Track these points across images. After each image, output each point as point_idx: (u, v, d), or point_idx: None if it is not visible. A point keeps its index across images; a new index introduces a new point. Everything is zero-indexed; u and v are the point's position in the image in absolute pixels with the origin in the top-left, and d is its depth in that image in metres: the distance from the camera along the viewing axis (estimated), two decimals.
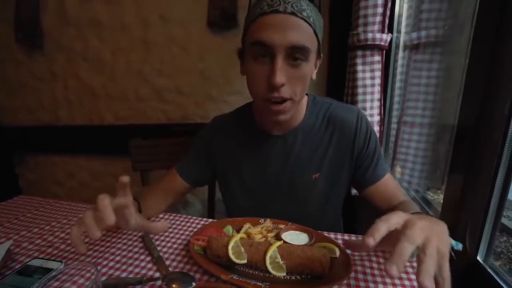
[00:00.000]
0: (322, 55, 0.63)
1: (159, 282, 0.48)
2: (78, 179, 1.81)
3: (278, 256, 0.49)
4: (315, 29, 0.55)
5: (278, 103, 0.58)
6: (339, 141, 0.70)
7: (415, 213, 0.45)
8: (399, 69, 1.11)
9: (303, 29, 0.54)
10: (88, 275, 0.42)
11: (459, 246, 0.45)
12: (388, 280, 0.50)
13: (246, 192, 0.76)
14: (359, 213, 1.13)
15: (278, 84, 0.54)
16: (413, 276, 0.50)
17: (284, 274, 0.49)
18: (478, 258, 0.54)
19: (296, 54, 0.54)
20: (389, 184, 0.70)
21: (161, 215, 0.75)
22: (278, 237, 0.58)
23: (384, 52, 1.01)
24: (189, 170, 0.78)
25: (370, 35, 0.97)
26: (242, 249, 0.51)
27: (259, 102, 0.61)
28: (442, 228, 0.39)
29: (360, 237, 0.63)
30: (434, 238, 0.35)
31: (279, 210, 0.73)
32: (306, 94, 0.73)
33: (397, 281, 0.50)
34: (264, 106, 0.60)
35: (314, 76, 0.63)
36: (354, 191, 1.06)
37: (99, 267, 0.54)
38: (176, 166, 0.79)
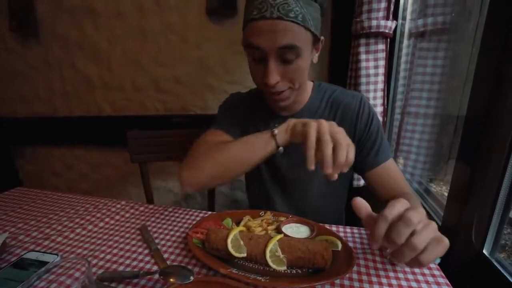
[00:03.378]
0: (323, 37, 0.64)
1: (156, 276, 0.47)
2: (78, 171, 1.80)
3: (279, 249, 0.48)
4: (306, 25, 0.56)
5: (276, 93, 0.62)
6: (341, 124, 0.68)
7: None
8: (403, 58, 1.08)
9: (291, 31, 0.55)
10: (83, 269, 0.41)
11: (437, 260, 0.46)
12: (391, 274, 0.49)
13: (257, 171, 0.78)
14: None
15: (272, 84, 0.59)
16: (417, 270, 0.49)
17: (285, 268, 0.48)
18: (484, 251, 0.53)
19: (286, 54, 0.57)
20: (392, 170, 0.69)
21: (160, 208, 0.74)
22: (278, 230, 0.57)
23: (388, 40, 0.98)
24: (232, 126, 0.74)
25: (374, 22, 0.94)
26: (242, 242, 0.50)
27: (261, 90, 0.66)
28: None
29: (362, 230, 0.62)
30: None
31: (282, 199, 0.75)
32: (312, 81, 0.76)
33: (400, 275, 0.49)
34: (265, 95, 0.66)
35: (315, 60, 0.65)
36: (356, 183, 1.05)
37: (95, 260, 0.53)
38: (214, 127, 0.73)
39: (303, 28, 0.56)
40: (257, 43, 0.56)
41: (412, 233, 0.37)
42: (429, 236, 0.38)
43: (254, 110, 0.77)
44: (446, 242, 0.39)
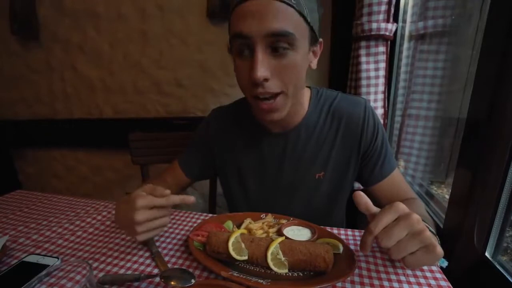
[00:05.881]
0: (321, 39, 0.56)
1: (157, 279, 0.47)
2: (78, 173, 1.80)
3: (280, 252, 0.48)
4: (303, 13, 0.48)
5: (267, 100, 0.53)
6: (344, 138, 0.65)
7: None
8: (404, 61, 1.08)
9: (285, 14, 0.47)
10: (84, 272, 0.41)
11: (444, 264, 0.46)
12: (393, 277, 0.48)
13: (244, 192, 0.73)
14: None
15: (259, 79, 0.49)
16: (419, 273, 0.49)
17: (286, 270, 0.48)
18: (487, 254, 0.53)
19: (278, 42, 0.48)
20: (396, 181, 0.67)
21: None
22: (279, 233, 0.57)
23: (388, 42, 0.99)
24: (191, 164, 0.77)
25: (374, 25, 0.95)
26: (243, 245, 0.49)
27: (250, 100, 0.56)
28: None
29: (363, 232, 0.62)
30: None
31: (280, 213, 0.68)
32: (309, 87, 0.69)
33: (402, 278, 0.48)
34: (255, 104, 0.55)
35: (314, 66, 0.58)
36: (356, 185, 1.05)
37: (96, 263, 0.52)
38: (177, 160, 0.77)
39: (297, 14, 0.48)
40: (241, 29, 0.47)
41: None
42: (403, 232, 0.39)
43: (239, 125, 0.70)
44: (438, 251, 0.39)
